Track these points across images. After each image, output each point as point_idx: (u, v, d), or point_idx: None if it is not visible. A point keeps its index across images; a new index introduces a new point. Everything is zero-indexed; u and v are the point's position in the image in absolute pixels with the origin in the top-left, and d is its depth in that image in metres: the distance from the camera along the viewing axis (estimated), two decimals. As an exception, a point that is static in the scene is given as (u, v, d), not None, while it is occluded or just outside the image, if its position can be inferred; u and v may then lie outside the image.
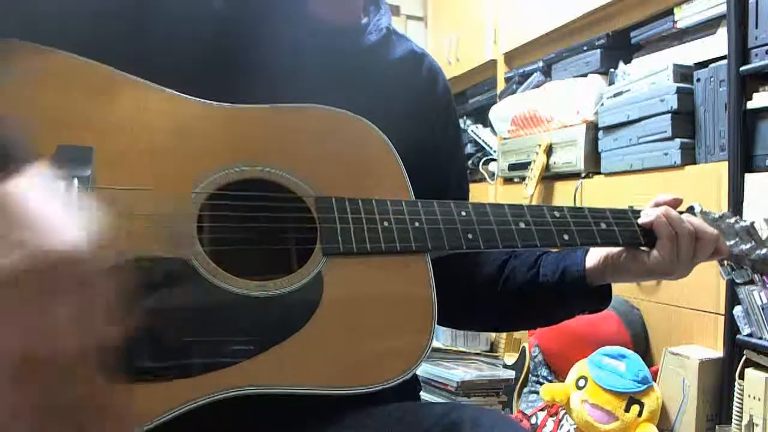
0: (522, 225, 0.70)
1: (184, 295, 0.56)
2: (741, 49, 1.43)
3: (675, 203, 0.78)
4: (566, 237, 0.72)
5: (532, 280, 0.78)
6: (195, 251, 0.57)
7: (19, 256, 0.38)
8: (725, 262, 0.83)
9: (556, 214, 0.73)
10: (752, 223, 0.82)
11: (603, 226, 0.74)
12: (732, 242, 0.79)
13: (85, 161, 0.55)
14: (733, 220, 0.82)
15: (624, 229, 0.75)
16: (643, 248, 0.76)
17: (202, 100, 0.63)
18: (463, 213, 0.69)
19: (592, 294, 0.78)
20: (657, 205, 0.77)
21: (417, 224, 0.66)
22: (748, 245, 0.80)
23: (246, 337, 0.56)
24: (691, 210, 0.81)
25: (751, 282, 0.87)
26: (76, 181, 0.54)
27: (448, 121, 0.87)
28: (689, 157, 1.61)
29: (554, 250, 0.78)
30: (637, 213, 0.77)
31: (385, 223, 0.64)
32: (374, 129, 0.69)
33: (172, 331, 0.55)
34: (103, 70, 0.60)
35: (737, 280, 0.83)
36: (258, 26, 0.72)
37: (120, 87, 0.61)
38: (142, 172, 0.58)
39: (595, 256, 0.77)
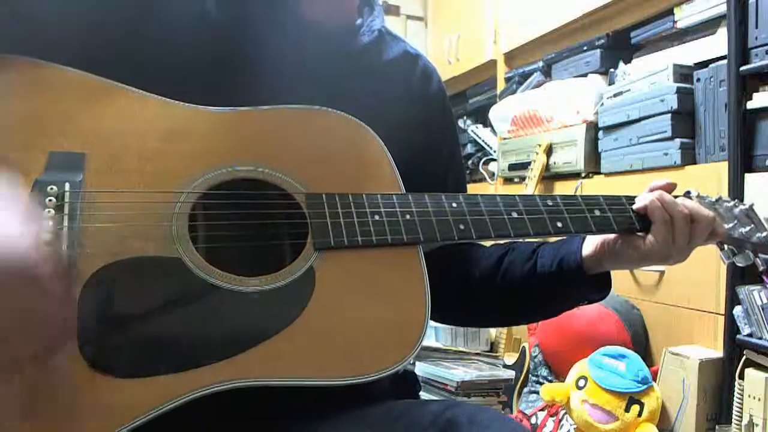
0: (514, 214, 0.70)
1: (177, 293, 0.57)
2: (741, 49, 1.43)
3: (669, 187, 0.77)
4: (560, 225, 0.72)
5: (529, 271, 0.78)
6: (187, 250, 0.58)
7: None
8: (725, 246, 0.81)
9: (549, 202, 0.73)
10: (751, 206, 0.80)
11: (597, 213, 0.74)
12: (730, 225, 0.78)
13: (76, 167, 0.57)
14: (731, 203, 0.80)
15: (618, 215, 0.74)
16: (638, 234, 0.75)
17: (194, 105, 0.64)
18: (454, 204, 0.69)
19: (591, 282, 0.77)
20: (651, 190, 0.77)
21: (408, 217, 0.66)
22: (748, 228, 0.78)
23: (239, 332, 0.57)
24: (687, 195, 0.80)
25: (754, 267, 0.85)
26: (68, 185, 0.55)
27: (443, 122, 0.87)
28: (689, 157, 1.60)
29: (550, 239, 0.78)
30: (631, 199, 0.77)
31: (376, 217, 0.64)
32: (364, 127, 0.69)
33: (166, 328, 0.55)
34: (95, 80, 0.62)
35: (739, 264, 0.82)
36: (254, 30, 0.73)
37: (112, 95, 0.62)
38: (134, 175, 0.60)
39: (591, 244, 0.77)
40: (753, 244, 0.79)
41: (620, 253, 0.75)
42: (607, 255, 0.76)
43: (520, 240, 0.81)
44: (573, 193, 1.93)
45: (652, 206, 0.73)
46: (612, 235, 0.76)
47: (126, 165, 0.59)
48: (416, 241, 0.65)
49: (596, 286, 0.78)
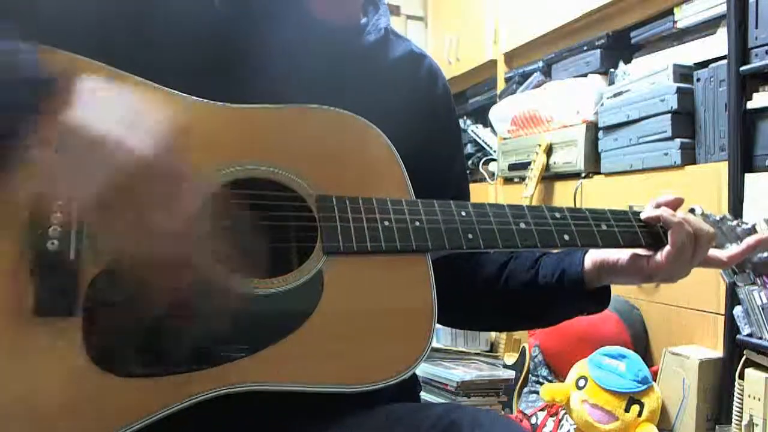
0: (522, 225, 0.70)
1: (184, 292, 0.56)
2: (741, 49, 1.43)
3: (677, 203, 0.77)
4: (567, 237, 0.72)
5: (531, 281, 0.78)
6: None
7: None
8: None
9: (557, 214, 0.73)
10: (754, 226, 0.81)
11: (603, 227, 0.74)
12: (733, 245, 0.79)
13: None
14: (734, 222, 0.81)
15: (624, 230, 0.75)
16: (643, 253, 0.75)
17: (205, 99, 0.63)
18: (464, 213, 0.69)
19: (591, 296, 0.78)
20: (658, 205, 0.77)
21: (417, 224, 0.66)
22: None
23: (245, 334, 0.57)
24: (692, 212, 0.80)
25: (753, 284, 0.87)
26: None
27: (447, 122, 0.87)
28: (689, 157, 1.61)
29: (555, 251, 0.78)
30: (637, 214, 0.77)
31: (386, 222, 0.64)
32: (375, 129, 0.69)
33: (172, 328, 0.55)
34: (105, 69, 0.60)
35: (739, 284, 0.83)
36: (258, 26, 0.72)
37: (122, 86, 0.61)
38: (144, 171, 0.58)
39: (594, 258, 0.77)
40: (754, 264, 0.80)
41: (624, 270, 0.75)
42: (609, 271, 0.76)
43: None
44: (573, 193, 1.95)
45: (675, 224, 0.73)
46: (617, 253, 0.76)
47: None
48: (425, 249, 0.65)
49: (595, 299, 0.78)
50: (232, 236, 0.55)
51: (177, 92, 0.63)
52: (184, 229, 0.52)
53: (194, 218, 0.52)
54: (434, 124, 0.84)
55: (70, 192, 0.52)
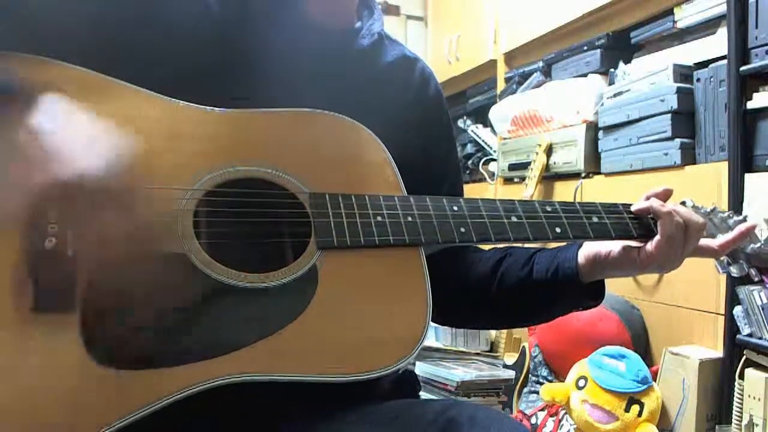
0: (514, 219, 0.71)
1: (180, 287, 0.57)
2: (741, 49, 1.43)
3: (666, 194, 0.78)
4: (558, 230, 0.73)
5: (526, 277, 0.79)
6: (192, 246, 0.58)
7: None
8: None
9: (548, 208, 0.74)
10: (745, 217, 0.82)
11: (595, 219, 0.75)
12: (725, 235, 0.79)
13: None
14: (725, 214, 0.81)
15: (616, 222, 0.75)
16: (635, 244, 0.76)
17: (198, 105, 0.65)
18: (456, 208, 0.70)
19: (586, 290, 0.78)
20: (648, 198, 0.77)
21: (410, 218, 0.67)
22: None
23: (241, 328, 0.57)
24: (683, 204, 0.81)
25: (748, 277, 0.87)
26: None
27: (440, 125, 0.88)
28: (689, 157, 1.61)
29: (549, 246, 0.78)
30: (627, 207, 0.77)
31: (378, 218, 0.65)
32: (366, 131, 0.70)
33: (169, 322, 0.56)
34: (99, 78, 0.62)
35: (733, 275, 0.83)
36: (254, 30, 0.73)
37: (116, 94, 0.62)
38: (140, 172, 0.60)
39: (587, 252, 0.77)
40: (747, 255, 0.81)
41: (616, 262, 0.76)
42: (602, 264, 0.76)
43: (518, 245, 0.82)
44: (573, 193, 1.95)
45: (664, 214, 0.73)
46: (608, 246, 0.76)
47: (132, 162, 0.60)
48: (417, 243, 0.66)
49: (590, 294, 0.78)
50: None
51: (171, 99, 0.64)
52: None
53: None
54: (427, 125, 0.85)
55: (62, 192, 0.53)
